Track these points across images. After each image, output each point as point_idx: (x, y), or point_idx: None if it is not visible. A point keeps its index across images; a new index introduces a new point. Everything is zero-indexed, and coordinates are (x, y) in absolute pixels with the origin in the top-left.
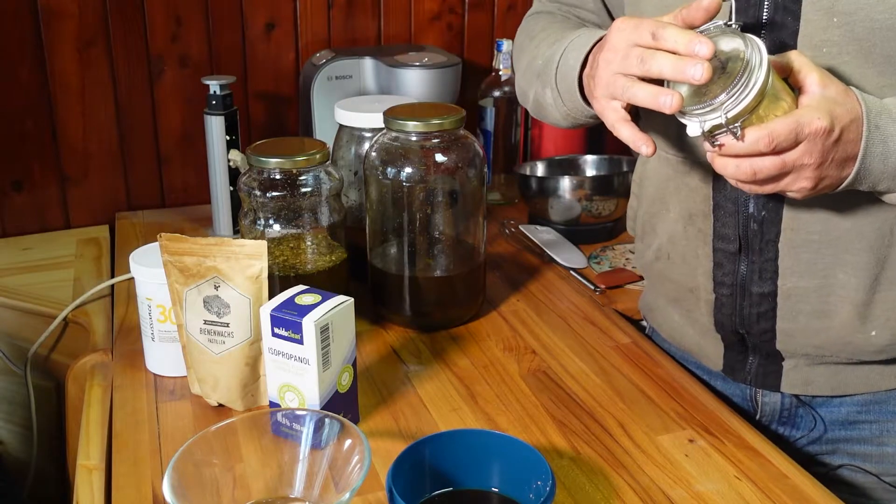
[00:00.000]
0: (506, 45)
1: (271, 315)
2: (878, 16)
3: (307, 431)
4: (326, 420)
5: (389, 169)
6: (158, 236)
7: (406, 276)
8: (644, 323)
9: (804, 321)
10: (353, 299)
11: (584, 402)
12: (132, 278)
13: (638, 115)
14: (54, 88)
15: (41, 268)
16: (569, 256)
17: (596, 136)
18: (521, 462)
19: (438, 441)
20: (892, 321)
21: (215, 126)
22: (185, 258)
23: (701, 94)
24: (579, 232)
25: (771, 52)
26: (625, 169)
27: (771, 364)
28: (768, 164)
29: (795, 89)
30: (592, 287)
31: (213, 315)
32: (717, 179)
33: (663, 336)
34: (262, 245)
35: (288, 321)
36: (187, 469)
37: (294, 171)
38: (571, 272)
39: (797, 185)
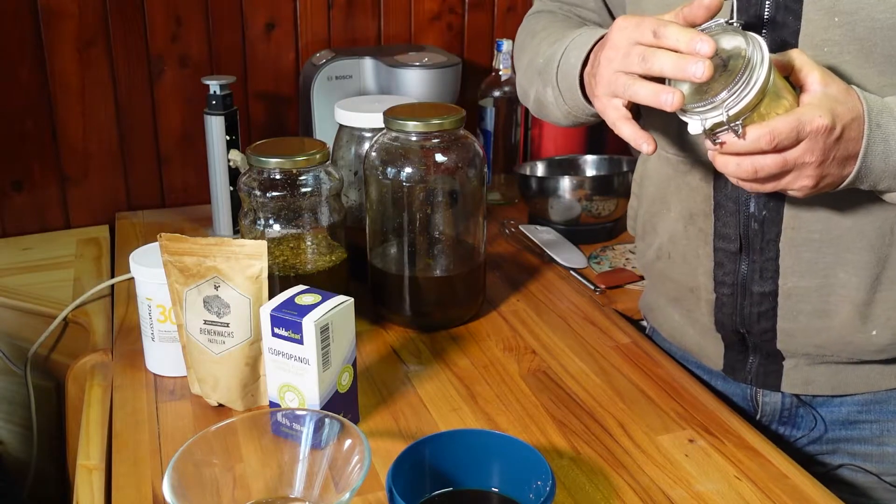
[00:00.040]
0: (506, 45)
1: (271, 315)
2: (879, 15)
3: (307, 431)
4: (326, 420)
5: (389, 169)
6: (158, 236)
7: (406, 276)
8: (644, 323)
9: (805, 321)
10: (353, 299)
11: (584, 402)
12: (132, 278)
13: (639, 113)
14: (54, 88)
15: (41, 268)
16: (569, 256)
17: (596, 135)
18: (521, 462)
19: (438, 441)
20: (892, 321)
21: (215, 126)
22: (185, 258)
23: (702, 92)
24: (579, 232)
25: (772, 50)
26: (625, 169)
27: (771, 364)
28: (769, 163)
29: (797, 88)
30: (592, 287)
31: (213, 315)
32: (717, 179)
33: (664, 336)
34: (262, 245)
35: (288, 321)
36: (187, 469)
37: (294, 171)
38: (571, 272)
39: (798, 183)
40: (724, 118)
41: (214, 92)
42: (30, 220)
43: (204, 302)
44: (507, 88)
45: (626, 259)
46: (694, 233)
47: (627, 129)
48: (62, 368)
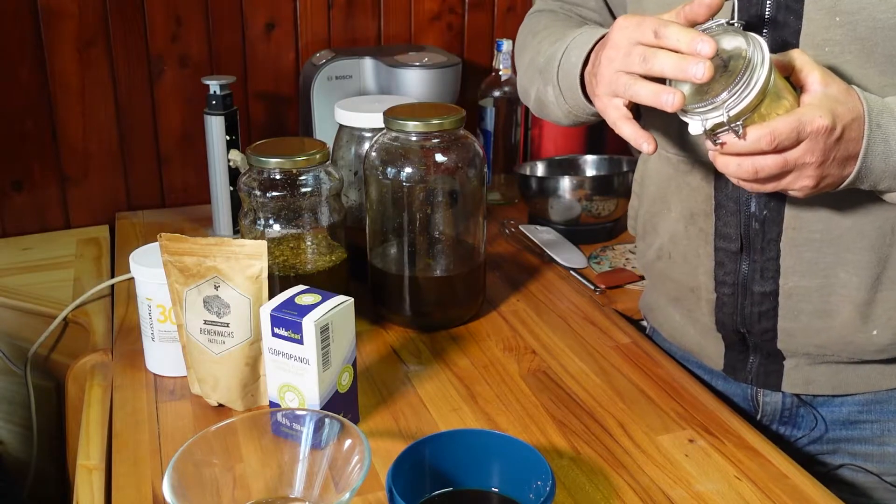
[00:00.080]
0: (506, 45)
1: (271, 315)
2: (880, 15)
3: (307, 431)
4: (326, 420)
5: (389, 169)
6: (158, 236)
7: (406, 276)
8: (644, 323)
9: (805, 320)
10: (353, 299)
11: (584, 402)
12: (132, 278)
13: (639, 113)
14: (54, 88)
15: (41, 268)
16: (569, 256)
17: (596, 135)
18: (521, 462)
19: (438, 441)
20: (893, 320)
21: (215, 126)
22: (185, 258)
23: (703, 92)
24: (579, 232)
25: (773, 50)
26: (625, 169)
27: (772, 363)
28: (770, 163)
29: (797, 88)
30: (592, 287)
31: (213, 315)
32: (718, 178)
33: (664, 336)
34: (262, 245)
35: (288, 321)
36: (187, 469)
37: (294, 171)
38: (571, 272)
39: (799, 183)
40: (724, 119)
41: (214, 92)
42: (30, 220)
43: (204, 302)
44: (507, 88)
45: (626, 259)
46: (695, 232)
47: (628, 129)
48: (62, 368)
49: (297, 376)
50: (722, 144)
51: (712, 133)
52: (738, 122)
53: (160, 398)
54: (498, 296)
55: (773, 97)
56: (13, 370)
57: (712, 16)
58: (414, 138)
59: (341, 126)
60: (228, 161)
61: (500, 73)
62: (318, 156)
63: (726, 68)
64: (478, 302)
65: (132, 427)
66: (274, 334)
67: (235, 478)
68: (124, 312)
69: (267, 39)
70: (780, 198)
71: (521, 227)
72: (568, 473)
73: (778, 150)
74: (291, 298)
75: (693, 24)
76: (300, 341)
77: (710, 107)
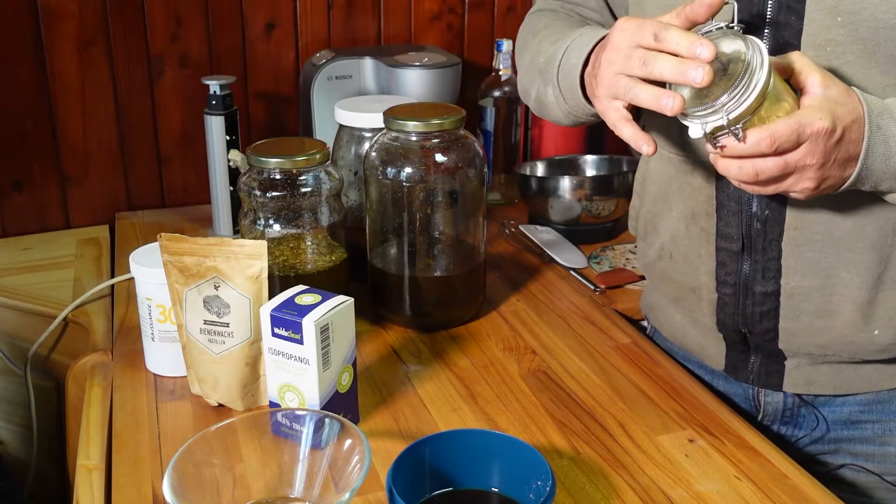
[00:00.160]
0: (506, 45)
1: (271, 315)
2: (882, 15)
3: (307, 431)
4: (326, 420)
5: (389, 169)
6: (158, 236)
7: (406, 276)
8: (645, 323)
9: (807, 320)
10: (353, 299)
11: (584, 402)
12: (132, 278)
13: (639, 114)
14: (54, 88)
15: (41, 268)
16: (569, 256)
17: (596, 135)
18: (521, 462)
19: (438, 441)
20: (894, 320)
21: (215, 126)
22: (185, 258)
23: (703, 95)
24: (579, 232)
25: (774, 51)
26: (625, 169)
27: (773, 363)
28: (770, 165)
29: (797, 90)
30: (592, 287)
31: (213, 315)
32: (719, 179)
33: (665, 336)
34: (262, 245)
35: (288, 321)
36: (187, 469)
37: (294, 171)
38: (571, 272)
39: (800, 185)
40: (724, 122)
41: (214, 92)
42: (30, 220)
43: (204, 302)
44: (507, 88)
45: (626, 259)
46: (696, 232)
47: (628, 131)
48: (62, 368)
49: (297, 376)
50: (722, 147)
51: (712, 136)
52: (737, 125)
53: (160, 398)
54: (498, 296)
55: (772, 100)
56: (13, 370)
57: (713, 15)
58: (414, 138)
59: (341, 126)
60: (228, 161)
61: (500, 73)
62: (318, 156)
63: (726, 72)
64: (478, 302)
65: (132, 427)
66: (274, 334)
67: (235, 478)
68: (124, 312)
69: (267, 39)
70: (782, 198)
71: (521, 227)
72: (568, 473)
73: (778, 153)
74: (291, 298)
75: (694, 24)
76: (300, 341)
77: (709, 110)
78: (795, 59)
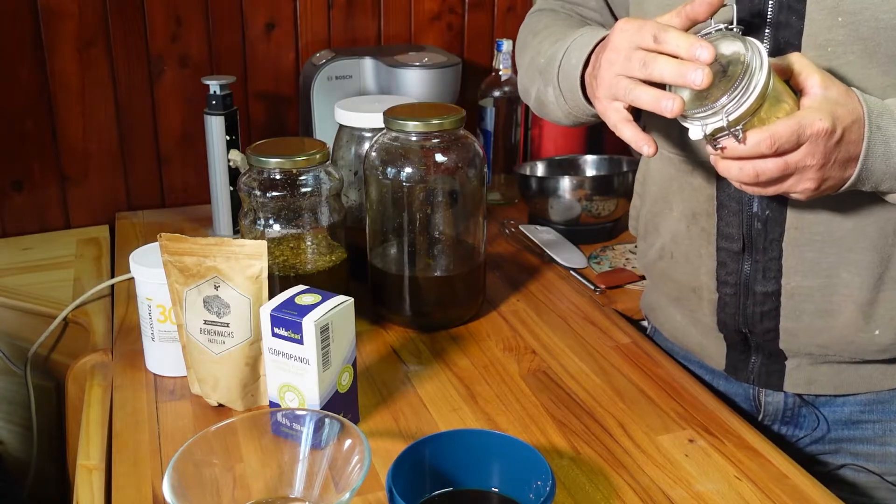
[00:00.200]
0: (506, 45)
1: (271, 315)
2: (882, 15)
3: (307, 431)
4: (326, 420)
5: (389, 169)
6: (158, 236)
7: (406, 276)
8: (645, 323)
9: (808, 320)
10: (353, 299)
11: (584, 402)
12: (132, 278)
13: (640, 114)
14: (54, 88)
15: (41, 268)
16: (569, 256)
17: (596, 136)
18: (521, 462)
19: (438, 441)
20: (895, 320)
21: (215, 126)
22: (185, 258)
23: (702, 97)
24: (579, 232)
25: (775, 51)
26: (625, 169)
27: (774, 363)
28: (771, 166)
29: (797, 91)
30: (592, 287)
31: (213, 315)
32: (720, 179)
33: (665, 336)
34: (262, 245)
35: (288, 321)
36: (187, 469)
37: (294, 171)
38: (571, 272)
39: (800, 186)
40: (724, 123)
41: (214, 92)
42: (30, 220)
43: (204, 302)
44: (507, 88)
45: (626, 259)
46: (696, 232)
47: (628, 132)
48: (62, 368)
49: (297, 376)
50: (722, 149)
51: (712, 138)
52: (737, 127)
53: (160, 398)
54: (498, 296)
55: (772, 101)
56: (13, 370)
57: (713, 14)
58: (414, 138)
59: (341, 126)
60: (228, 161)
61: (500, 73)
62: (318, 156)
63: (725, 73)
64: (478, 302)
65: (132, 427)
66: (274, 334)
67: (235, 478)
68: (124, 312)
69: (267, 39)
70: (783, 198)
71: (521, 227)
72: (568, 473)
73: (778, 154)
74: (291, 298)
75: (694, 23)
76: (300, 341)
77: (709, 112)
78: (795, 60)
